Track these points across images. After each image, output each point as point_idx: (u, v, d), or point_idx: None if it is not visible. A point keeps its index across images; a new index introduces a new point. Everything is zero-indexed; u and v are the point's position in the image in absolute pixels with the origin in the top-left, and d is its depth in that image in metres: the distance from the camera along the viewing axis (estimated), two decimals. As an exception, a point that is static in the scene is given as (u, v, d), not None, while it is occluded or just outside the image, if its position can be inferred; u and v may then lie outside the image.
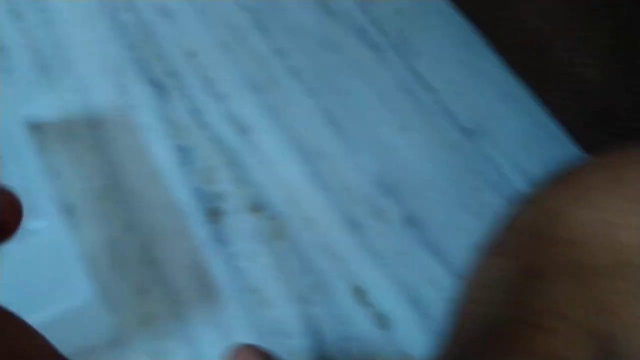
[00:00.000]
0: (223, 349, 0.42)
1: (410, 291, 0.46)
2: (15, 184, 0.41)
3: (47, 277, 0.36)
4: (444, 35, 0.62)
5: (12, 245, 0.38)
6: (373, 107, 0.56)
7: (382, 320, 0.44)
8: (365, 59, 0.59)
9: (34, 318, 0.34)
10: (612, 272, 0.27)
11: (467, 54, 0.60)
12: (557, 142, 0.54)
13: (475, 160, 0.53)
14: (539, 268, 0.29)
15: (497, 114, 0.56)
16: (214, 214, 0.47)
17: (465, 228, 0.49)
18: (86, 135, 0.50)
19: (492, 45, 0.58)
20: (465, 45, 0.61)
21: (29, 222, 0.39)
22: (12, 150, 0.42)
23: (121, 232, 0.45)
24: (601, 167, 0.31)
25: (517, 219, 0.32)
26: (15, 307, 0.35)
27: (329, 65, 0.58)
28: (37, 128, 0.47)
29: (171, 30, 0.58)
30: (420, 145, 0.54)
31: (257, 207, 0.48)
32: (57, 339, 0.37)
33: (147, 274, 0.44)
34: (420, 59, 0.59)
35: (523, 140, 0.55)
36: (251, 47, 0.58)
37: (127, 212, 0.46)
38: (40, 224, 0.39)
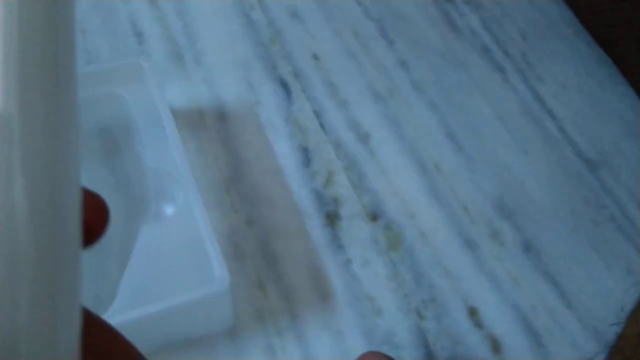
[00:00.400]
0: (334, 351, 0.42)
1: (525, 318, 0.45)
2: (151, 165, 0.42)
3: (184, 261, 0.37)
4: (569, 63, 0.60)
5: (149, 228, 0.39)
6: (494, 127, 0.55)
7: (494, 344, 0.43)
8: (488, 78, 0.58)
9: (170, 301, 0.35)
10: None
11: (592, 84, 0.59)
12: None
13: (597, 193, 0.52)
14: None
15: (621, 148, 0.55)
16: (331, 218, 0.47)
17: (583, 261, 0.48)
18: (214, 126, 0.51)
19: (625, 77, 0.56)
20: (590, 75, 0.60)
21: (165, 206, 0.40)
22: (152, 133, 0.43)
23: (242, 224, 0.46)
24: None
25: None
26: (148, 288, 0.36)
27: (451, 81, 0.58)
28: (168, 114, 0.49)
29: (299, 32, 0.59)
30: (540, 171, 0.53)
31: (374, 215, 0.48)
32: (182, 323, 0.37)
33: (265, 269, 0.44)
34: (544, 84, 0.58)
35: (648, 178, 0.53)
36: (375, 56, 0.58)
37: (248, 205, 0.47)
38: (176, 208, 0.40)
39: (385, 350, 0.42)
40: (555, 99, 0.58)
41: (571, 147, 0.54)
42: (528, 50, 0.61)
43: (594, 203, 0.51)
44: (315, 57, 0.57)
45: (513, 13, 0.64)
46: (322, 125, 0.53)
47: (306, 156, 0.50)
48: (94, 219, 0.17)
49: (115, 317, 0.34)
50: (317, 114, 0.53)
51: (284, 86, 0.54)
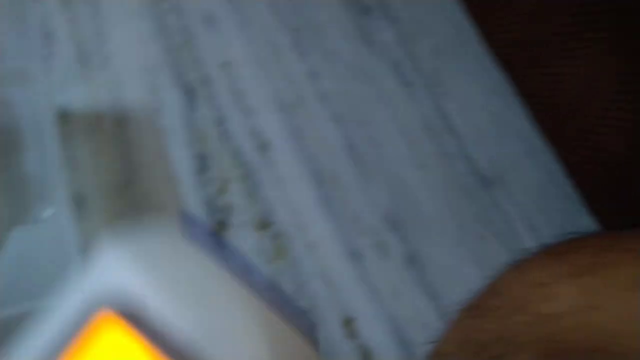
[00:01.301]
0: None
1: (400, 330, 0.46)
2: (32, 169, 0.43)
3: (49, 266, 0.37)
4: (477, 82, 0.62)
5: (22, 231, 0.40)
6: (394, 141, 0.56)
7: (365, 354, 0.45)
8: (395, 93, 0.60)
9: (27, 306, 0.35)
10: (584, 356, 0.27)
11: (496, 103, 0.61)
12: (572, 205, 0.54)
13: (487, 210, 0.53)
14: (514, 338, 0.29)
15: (517, 166, 0.56)
16: (220, 226, 0.48)
17: (465, 276, 0.50)
18: (111, 130, 0.51)
19: (521, 98, 0.58)
20: (496, 94, 0.61)
21: (40, 211, 0.41)
22: (37, 136, 0.44)
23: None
24: (591, 247, 0.31)
25: (501, 284, 0.33)
26: (13, 293, 0.37)
27: (358, 94, 0.59)
28: (65, 117, 0.49)
29: (212, 38, 0.59)
30: (434, 186, 0.54)
31: (263, 224, 0.49)
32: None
33: (146, 273, 0.45)
34: (450, 101, 0.60)
35: (538, 197, 0.55)
36: (286, 66, 0.59)
37: (136, 212, 0.48)
38: (50, 212, 0.40)
39: None
40: (459, 116, 0.59)
41: (468, 163, 0.56)
42: (439, 67, 0.62)
43: (483, 219, 0.53)
44: (225, 64, 0.58)
45: (429, 29, 0.65)
46: (223, 133, 0.53)
47: (203, 163, 0.51)
48: None
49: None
50: (220, 122, 0.54)
51: (190, 92, 0.55)
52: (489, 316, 0.32)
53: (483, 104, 0.60)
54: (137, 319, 0.16)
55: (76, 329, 0.16)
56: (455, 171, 0.55)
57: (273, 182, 0.52)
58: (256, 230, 0.49)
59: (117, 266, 0.16)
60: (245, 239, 0.48)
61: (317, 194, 0.52)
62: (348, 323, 0.46)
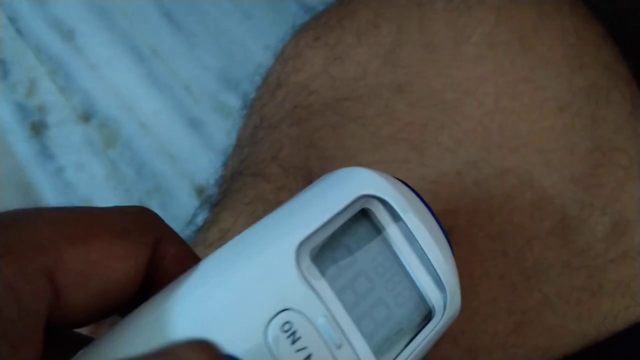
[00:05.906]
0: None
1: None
2: None
3: None
4: None
5: None
6: (213, -3, 0.52)
7: (225, 217, 0.42)
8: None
9: None
10: (329, 108, 0.26)
11: None
12: None
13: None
14: (271, 118, 0.28)
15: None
16: (37, 128, 0.44)
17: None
18: None
19: None
20: None
21: None
22: None
23: None
24: (332, 9, 0.29)
25: (268, 72, 0.32)
26: None
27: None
28: None
29: None
30: (264, 32, 0.51)
31: (86, 115, 0.45)
32: None
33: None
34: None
35: None
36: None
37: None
38: None
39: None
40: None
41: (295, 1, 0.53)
42: None
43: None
44: (5, -43, 0.51)
45: None
46: (19, 31, 0.48)
47: (3, 69, 0.46)
48: None
49: None
50: (12, 20, 0.48)
51: (-30, -3, 0.49)
52: (256, 106, 0.31)
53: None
54: None
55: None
56: (281, 10, 0.52)
57: (87, 70, 0.47)
58: (79, 123, 0.44)
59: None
60: (69, 135, 0.44)
61: (139, 71, 0.48)
62: (199, 190, 0.43)
